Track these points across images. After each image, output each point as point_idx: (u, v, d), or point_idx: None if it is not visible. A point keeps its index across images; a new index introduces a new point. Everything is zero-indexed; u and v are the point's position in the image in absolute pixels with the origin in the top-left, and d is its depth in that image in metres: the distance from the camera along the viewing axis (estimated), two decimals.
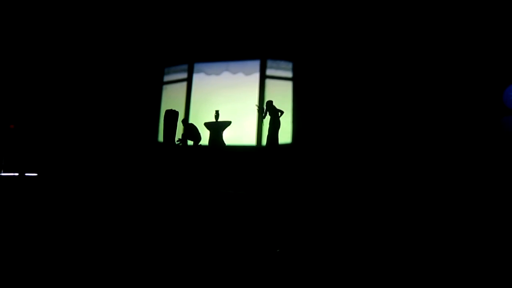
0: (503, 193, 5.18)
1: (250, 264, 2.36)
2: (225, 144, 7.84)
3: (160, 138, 9.12)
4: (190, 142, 8.07)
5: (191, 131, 7.89)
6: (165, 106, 9.41)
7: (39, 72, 9.41)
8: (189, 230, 3.34)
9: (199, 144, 7.97)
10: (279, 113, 7.53)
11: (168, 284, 2.02)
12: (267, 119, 7.74)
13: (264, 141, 8.57)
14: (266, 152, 7.52)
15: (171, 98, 9.58)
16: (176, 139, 7.77)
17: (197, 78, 9.54)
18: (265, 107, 7.66)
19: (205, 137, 8.08)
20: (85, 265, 2.28)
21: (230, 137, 8.12)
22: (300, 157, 8.00)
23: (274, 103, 7.65)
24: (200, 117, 8.70)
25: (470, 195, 5.23)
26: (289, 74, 8.87)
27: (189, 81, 9.55)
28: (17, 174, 7.91)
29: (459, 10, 7.27)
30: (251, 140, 8.69)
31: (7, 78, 9.21)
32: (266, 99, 8.84)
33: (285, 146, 8.47)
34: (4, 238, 2.93)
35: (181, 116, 8.36)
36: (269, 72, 9.03)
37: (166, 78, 9.81)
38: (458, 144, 6.83)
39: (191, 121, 8.96)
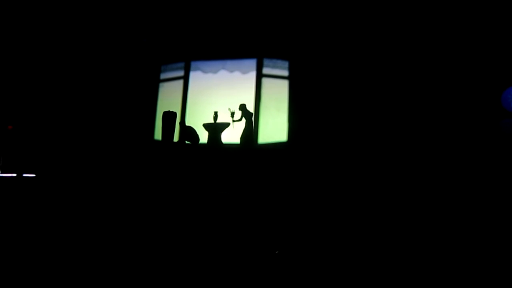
0: (502, 195, 5.28)
1: (249, 265, 2.43)
2: (223, 145, 8.01)
3: (156, 136, 9.17)
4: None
5: (189, 133, 8.04)
6: (161, 104, 9.46)
7: (37, 72, 9.40)
8: (187, 231, 3.41)
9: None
10: (252, 116, 7.96)
11: (167, 285, 2.09)
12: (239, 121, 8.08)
13: (260, 139, 8.77)
14: (241, 153, 7.76)
15: (168, 96, 9.65)
16: (175, 140, 7.93)
17: (193, 76, 9.59)
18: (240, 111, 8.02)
19: (203, 138, 8.24)
20: (84, 265, 2.35)
21: (227, 136, 8.21)
22: (295, 156, 8.09)
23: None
24: (196, 115, 8.81)
25: (470, 197, 5.32)
26: (285, 72, 8.96)
27: (185, 79, 9.60)
28: (15, 174, 8.04)
29: (458, 13, 7.35)
30: None
31: (5, 79, 9.29)
32: (263, 97, 9.01)
33: (280, 144, 8.60)
34: (2, 239, 3.00)
35: (178, 117, 8.47)
36: (265, 70, 9.12)
37: (163, 76, 9.85)
38: (457, 147, 6.94)
39: (187, 119, 9.05)
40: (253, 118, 8.05)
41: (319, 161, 7.76)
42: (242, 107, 8.00)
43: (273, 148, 8.56)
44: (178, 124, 8.17)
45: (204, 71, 9.57)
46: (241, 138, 7.86)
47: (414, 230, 3.55)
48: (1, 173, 8.27)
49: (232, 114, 8.01)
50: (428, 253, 2.80)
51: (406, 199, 5.30)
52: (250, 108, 8.84)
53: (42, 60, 9.51)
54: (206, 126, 8.11)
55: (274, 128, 8.78)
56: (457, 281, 2.25)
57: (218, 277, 2.22)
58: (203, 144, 8.14)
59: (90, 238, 3.08)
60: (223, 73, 9.43)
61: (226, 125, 8.08)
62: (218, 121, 8.12)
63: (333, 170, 7.45)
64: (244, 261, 2.51)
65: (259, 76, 9.11)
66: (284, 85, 8.93)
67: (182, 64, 9.74)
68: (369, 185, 6.45)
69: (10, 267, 2.30)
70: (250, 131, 7.88)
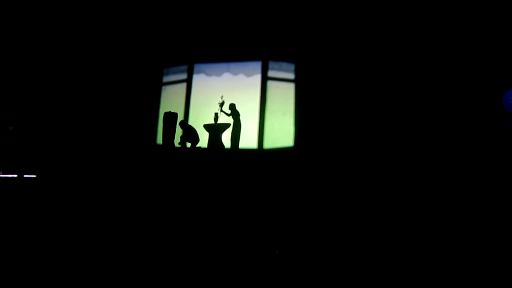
0: (503, 196, 5.40)
1: (249, 265, 2.56)
2: (224, 146, 8.23)
3: (159, 140, 9.36)
4: (188, 144, 8.47)
5: (189, 133, 8.28)
6: (164, 108, 9.57)
7: (39, 73, 9.79)
8: (188, 233, 3.57)
9: (197, 146, 8.39)
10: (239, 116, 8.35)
11: (168, 285, 2.22)
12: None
13: (265, 144, 8.93)
14: (230, 154, 8.07)
15: (170, 99, 9.83)
16: (176, 141, 8.17)
17: (197, 79, 9.78)
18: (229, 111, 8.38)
19: (204, 139, 8.45)
20: (84, 266, 2.48)
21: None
22: (302, 160, 8.19)
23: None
24: (200, 119, 8.90)
25: (472, 197, 5.45)
26: (291, 75, 9.11)
27: (188, 82, 9.79)
28: (16, 175, 8.34)
29: (459, 14, 7.56)
30: (253, 143, 8.90)
31: (7, 80, 9.65)
32: (268, 100, 9.16)
33: (286, 149, 8.72)
34: (4, 239, 3.17)
35: (180, 118, 8.69)
36: (270, 73, 9.27)
37: (165, 79, 10.05)
38: (459, 148, 7.09)
39: (190, 122, 9.24)
40: (241, 118, 8.36)
41: (327, 167, 7.85)
42: (232, 107, 8.35)
43: (279, 153, 8.68)
44: (179, 124, 8.42)
45: (208, 74, 9.76)
46: (231, 140, 8.22)
47: (416, 231, 3.68)
48: (2, 173, 8.56)
49: (221, 104, 8.35)
50: (431, 253, 2.93)
51: (411, 201, 5.43)
52: (255, 111, 9.07)
53: (44, 61, 9.87)
54: (207, 127, 8.36)
55: (280, 132, 8.91)
56: (457, 281, 2.36)
57: (219, 277, 2.34)
58: (203, 148, 8.36)
59: (91, 239, 3.23)
60: (227, 76, 9.61)
61: (227, 125, 8.32)
62: (218, 122, 8.37)
63: (340, 175, 7.54)
64: (245, 261, 2.65)
65: (264, 79, 9.27)
66: (290, 88, 9.08)
67: (185, 67, 9.95)
68: (376, 189, 6.56)
69: (11, 266, 2.43)
70: (238, 132, 8.24)
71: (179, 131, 8.52)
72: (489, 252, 2.98)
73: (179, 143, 8.36)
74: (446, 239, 3.44)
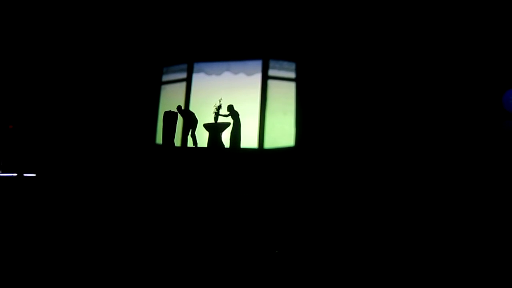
0: (504, 195, 5.51)
1: (249, 265, 2.59)
2: (224, 145, 8.32)
3: (158, 140, 9.47)
4: (190, 141, 8.58)
5: (189, 117, 8.37)
6: (163, 107, 9.64)
7: (38, 72, 9.94)
8: (188, 232, 3.61)
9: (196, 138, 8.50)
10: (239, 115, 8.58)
11: (168, 285, 2.25)
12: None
13: (266, 144, 9.03)
14: (230, 153, 8.23)
15: (170, 98, 9.89)
16: (176, 139, 8.30)
17: (196, 78, 9.88)
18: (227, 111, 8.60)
19: (204, 138, 8.56)
20: (84, 266, 2.50)
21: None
22: (303, 160, 8.26)
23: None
24: (199, 118, 9.03)
25: (473, 197, 5.55)
26: (292, 74, 9.20)
27: (188, 81, 9.89)
28: (15, 174, 8.48)
29: (460, 15, 7.70)
30: (253, 143, 8.97)
31: (7, 79, 9.77)
32: (269, 100, 9.24)
33: (287, 149, 8.79)
34: (3, 238, 3.19)
35: (179, 118, 8.79)
36: (271, 72, 9.36)
37: (165, 78, 10.16)
38: (460, 148, 7.22)
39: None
40: (240, 117, 8.55)
41: (328, 166, 7.90)
42: (230, 108, 8.55)
43: (280, 153, 8.76)
44: (177, 110, 8.53)
45: (208, 73, 9.86)
46: (230, 139, 8.40)
47: (417, 230, 3.77)
48: (2, 172, 8.67)
49: (218, 108, 8.56)
50: (430, 252, 2.98)
51: (412, 200, 5.52)
52: (256, 111, 9.16)
53: (44, 60, 10.02)
54: (207, 126, 8.51)
55: (281, 132, 8.99)
56: (457, 281, 2.39)
57: (218, 277, 2.37)
58: (203, 148, 8.46)
59: (90, 238, 3.27)
60: (227, 75, 9.69)
61: (227, 125, 8.48)
62: (218, 121, 8.52)
63: (342, 175, 7.59)
64: (245, 260, 2.69)
65: (265, 78, 9.35)
66: (291, 88, 9.15)
67: (184, 66, 10.05)
68: (377, 189, 6.63)
69: (10, 266, 2.46)
70: (238, 131, 8.43)
71: (179, 131, 8.62)
72: (489, 251, 3.05)
73: (182, 132, 8.47)
74: (445, 238, 3.52)
